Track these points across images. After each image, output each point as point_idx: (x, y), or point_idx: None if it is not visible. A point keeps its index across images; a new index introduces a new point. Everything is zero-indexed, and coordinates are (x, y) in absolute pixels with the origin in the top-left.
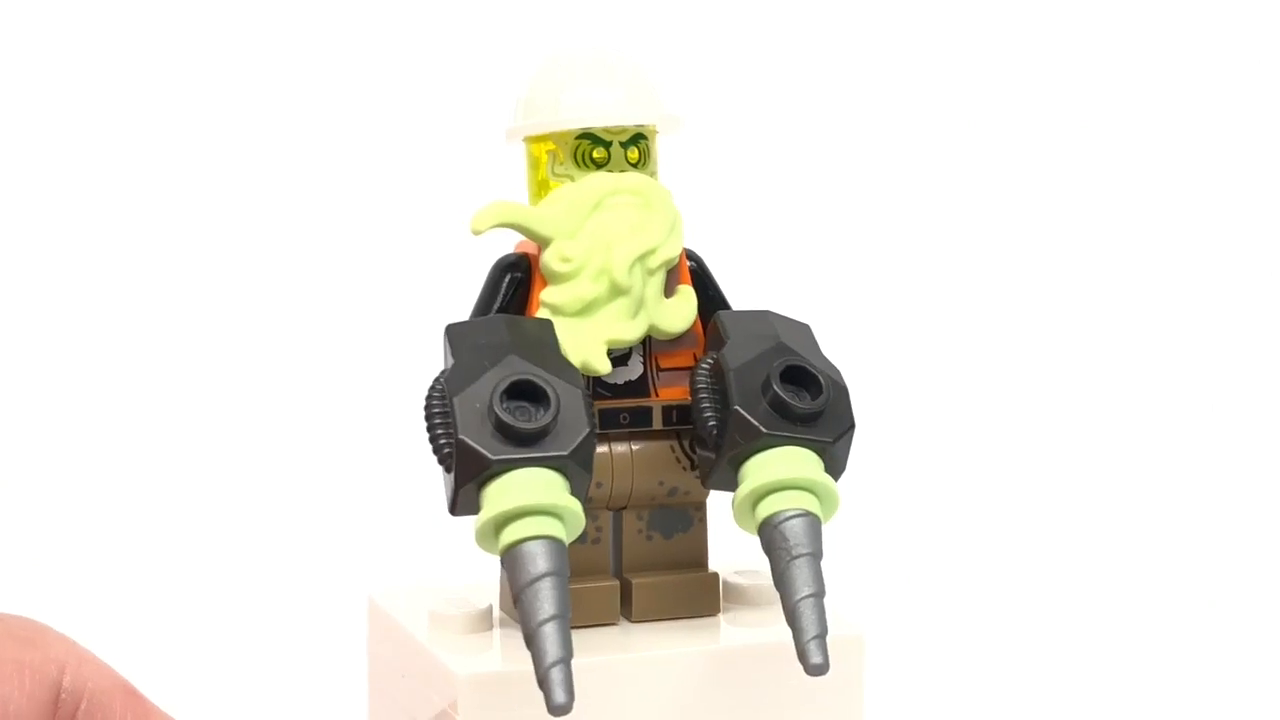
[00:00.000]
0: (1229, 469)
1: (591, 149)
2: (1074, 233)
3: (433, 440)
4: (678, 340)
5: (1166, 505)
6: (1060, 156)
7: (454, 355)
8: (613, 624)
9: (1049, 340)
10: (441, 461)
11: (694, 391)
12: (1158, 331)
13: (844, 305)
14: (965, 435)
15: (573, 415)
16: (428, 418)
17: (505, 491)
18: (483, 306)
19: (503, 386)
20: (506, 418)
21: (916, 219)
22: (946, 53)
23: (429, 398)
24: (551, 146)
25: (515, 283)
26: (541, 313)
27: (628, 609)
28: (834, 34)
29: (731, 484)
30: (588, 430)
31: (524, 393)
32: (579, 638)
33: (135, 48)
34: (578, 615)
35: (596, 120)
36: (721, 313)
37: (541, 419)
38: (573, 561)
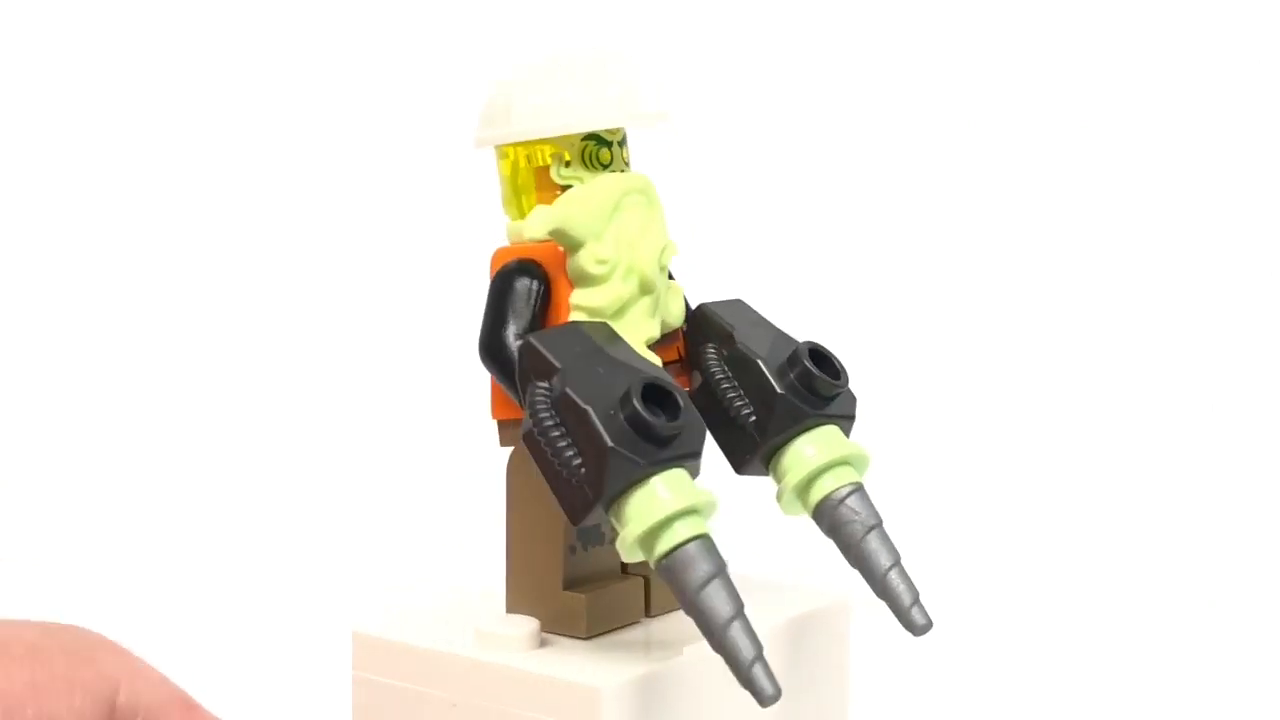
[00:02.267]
0: (1229, 469)
1: (597, 150)
2: (1054, 227)
3: (557, 456)
4: (667, 335)
5: (1167, 505)
6: (1045, 154)
7: (562, 365)
8: (638, 621)
9: (1041, 334)
10: (571, 475)
11: (713, 384)
12: (1157, 331)
13: (826, 299)
14: (957, 427)
15: (693, 414)
16: (543, 434)
17: (655, 497)
18: (518, 315)
19: (638, 391)
20: (655, 421)
21: (895, 215)
22: (930, 53)
23: (539, 417)
24: (555, 149)
25: (540, 289)
26: (574, 315)
27: (648, 604)
28: (813, 33)
29: (762, 469)
30: (705, 428)
31: (648, 396)
32: (617, 640)
33: (121, 56)
34: (613, 617)
35: (611, 121)
36: (706, 305)
37: (677, 420)
38: (595, 562)
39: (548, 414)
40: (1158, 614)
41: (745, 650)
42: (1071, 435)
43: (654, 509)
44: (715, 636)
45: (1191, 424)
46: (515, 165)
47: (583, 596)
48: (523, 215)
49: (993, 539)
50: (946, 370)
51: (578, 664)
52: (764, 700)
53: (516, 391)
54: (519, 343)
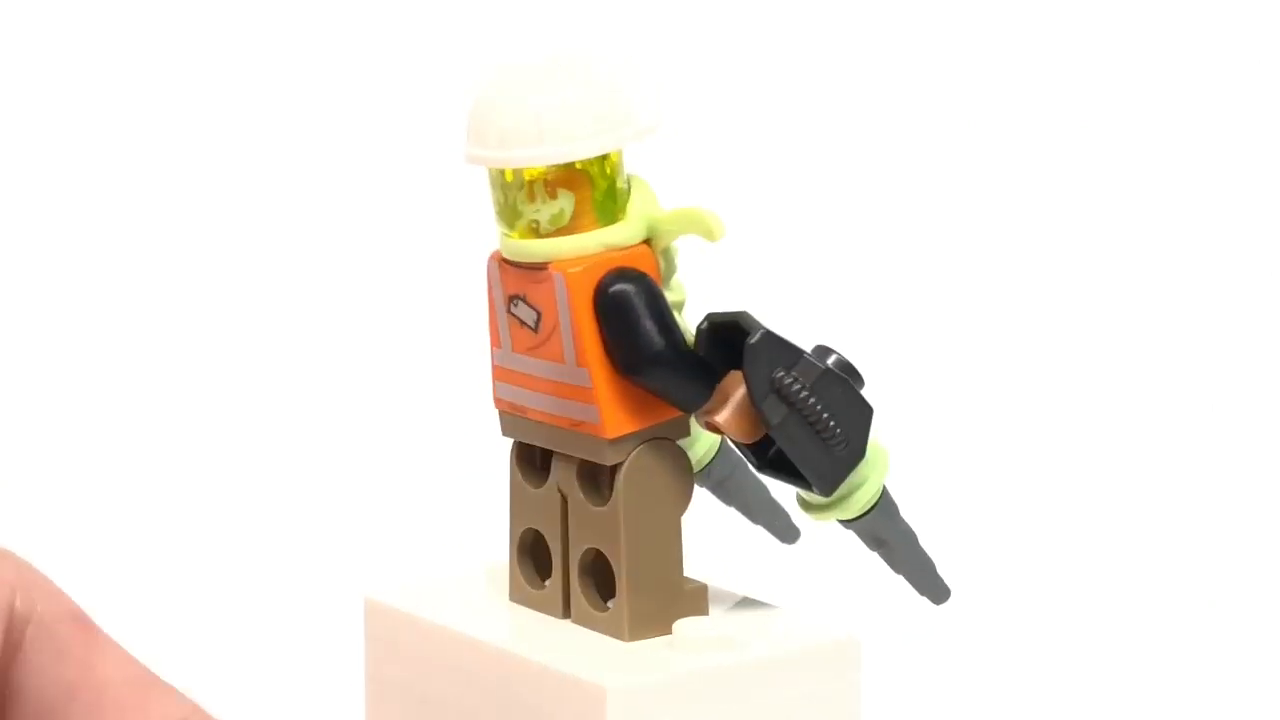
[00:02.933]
0: (1229, 469)
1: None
2: (1055, 229)
3: (826, 431)
4: None
5: (1167, 505)
6: (1045, 156)
7: (805, 347)
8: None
9: (1040, 334)
10: (838, 445)
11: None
12: (1151, 331)
13: (826, 302)
14: (956, 427)
15: None
16: (811, 414)
17: (881, 445)
18: (668, 322)
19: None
20: (861, 374)
21: (893, 216)
22: (920, 54)
23: (805, 401)
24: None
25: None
26: None
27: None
28: (811, 33)
29: None
30: None
31: None
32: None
33: (113, 58)
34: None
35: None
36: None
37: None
38: None
39: (810, 395)
40: (1158, 614)
41: (932, 558)
42: (1070, 436)
43: (885, 454)
44: (915, 551)
45: (1192, 424)
46: (610, 171)
47: (704, 585)
48: (559, 229)
49: (990, 541)
50: (946, 372)
51: (794, 633)
52: (945, 598)
53: (695, 393)
54: (755, 338)
